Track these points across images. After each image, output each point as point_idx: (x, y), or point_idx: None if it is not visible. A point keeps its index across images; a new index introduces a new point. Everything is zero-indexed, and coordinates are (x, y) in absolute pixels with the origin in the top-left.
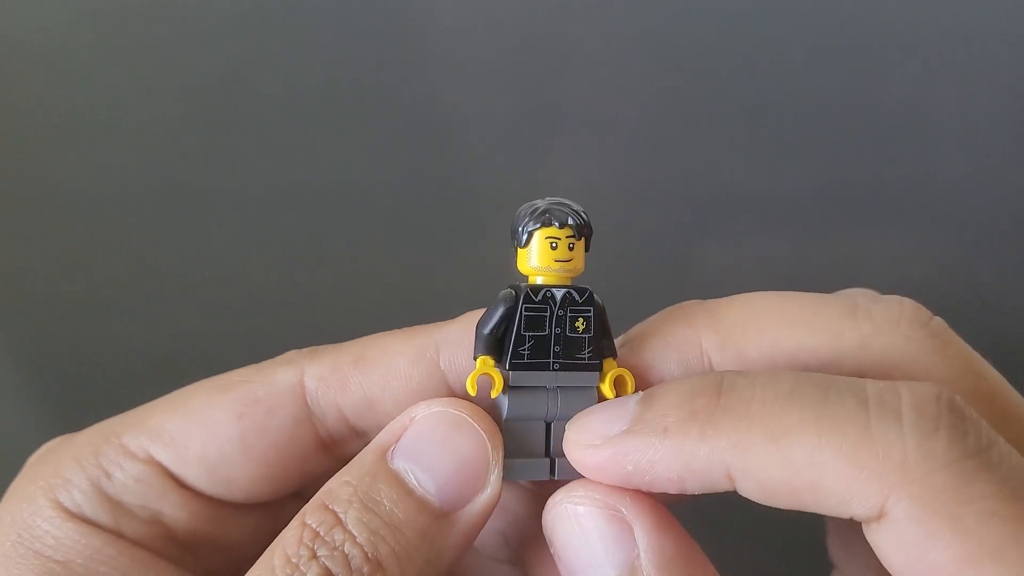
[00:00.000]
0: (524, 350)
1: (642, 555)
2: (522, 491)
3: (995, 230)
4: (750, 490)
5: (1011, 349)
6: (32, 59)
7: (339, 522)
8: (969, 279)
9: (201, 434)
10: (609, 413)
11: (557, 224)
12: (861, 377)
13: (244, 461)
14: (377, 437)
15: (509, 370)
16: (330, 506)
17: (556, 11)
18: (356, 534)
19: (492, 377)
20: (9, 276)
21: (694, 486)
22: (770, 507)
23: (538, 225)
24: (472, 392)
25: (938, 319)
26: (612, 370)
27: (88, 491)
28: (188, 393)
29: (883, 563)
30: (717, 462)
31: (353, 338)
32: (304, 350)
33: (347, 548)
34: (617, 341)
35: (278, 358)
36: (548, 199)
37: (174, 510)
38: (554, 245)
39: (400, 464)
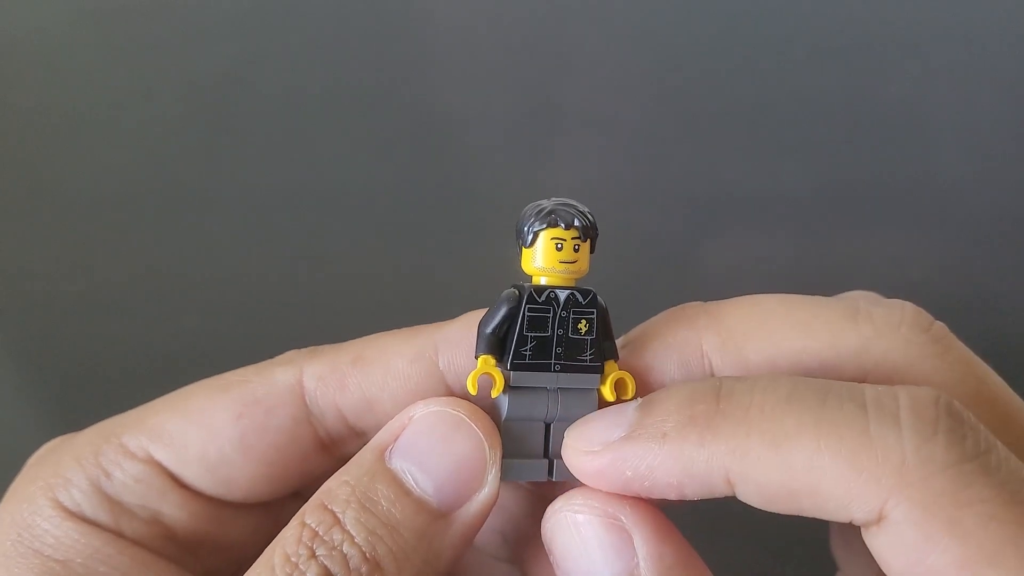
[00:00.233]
0: (526, 350)
1: (641, 564)
2: (521, 490)
3: (995, 230)
4: (749, 495)
5: (1011, 350)
6: (32, 59)
7: (337, 522)
8: (969, 279)
9: (200, 434)
10: (608, 420)
11: (563, 225)
12: (862, 381)
13: (243, 461)
14: (376, 437)
15: (510, 370)
16: (329, 506)
17: (556, 11)
18: (354, 534)
19: (493, 377)
20: (9, 276)
21: (694, 492)
22: (770, 514)
23: (544, 226)
24: (473, 391)
25: (939, 323)
26: (613, 373)
27: (88, 491)
28: (187, 393)
29: (882, 568)
30: (716, 467)
31: (353, 338)
32: (303, 350)
33: (346, 548)
34: (618, 342)
35: (277, 358)
36: (554, 199)
37: (174, 510)
38: (559, 246)
39: (398, 464)
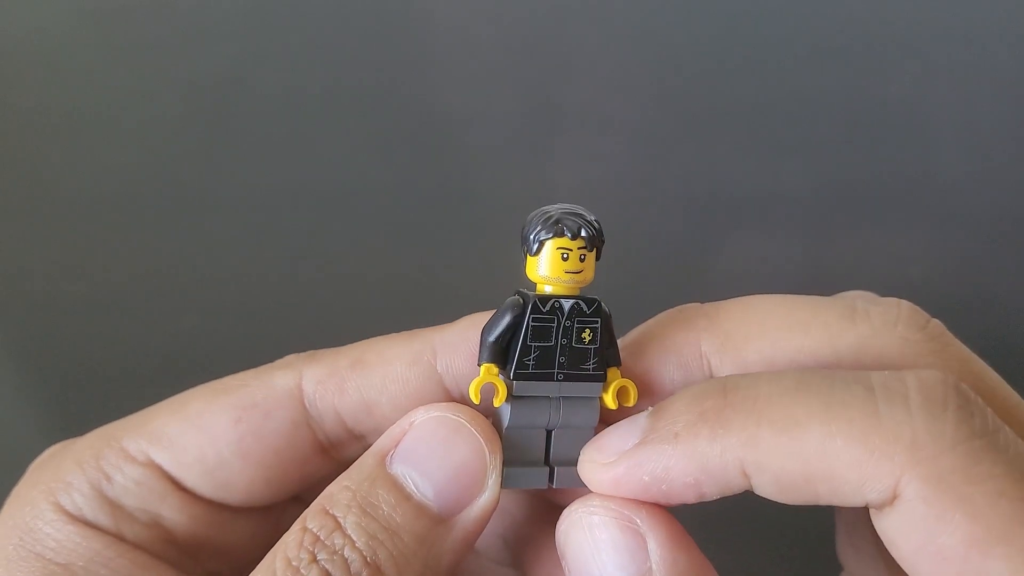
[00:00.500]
0: (529, 360)
1: (655, 568)
2: (521, 494)
3: (995, 230)
4: (765, 486)
5: (1011, 349)
6: (32, 59)
7: (339, 526)
8: (969, 279)
9: (199, 438)
10: (621, 431)
11: (569, 235)
12: None
13: (242, 464)
14: (377, 442)
15: (513, 379)
16: (330, 510)
17: (556, 11)
18: (355, 538)
19: (496, 386)
20: (9, 276)
21: (712, 489)
22: (775, 516)
23: (550, 235)
24: (475, 400)
25: (935, 321)
26: (616, 380)
27: (89, 494)
28: (187, 397)
29: (892, 552)
30: (731, 460)
31: (353, 339)
32: (302, 354)
33: (347, 552)
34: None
35: (276, 362)
36: (560, 207)
37: (174, 513)
38: (565, 256)
39: (398, 469)
